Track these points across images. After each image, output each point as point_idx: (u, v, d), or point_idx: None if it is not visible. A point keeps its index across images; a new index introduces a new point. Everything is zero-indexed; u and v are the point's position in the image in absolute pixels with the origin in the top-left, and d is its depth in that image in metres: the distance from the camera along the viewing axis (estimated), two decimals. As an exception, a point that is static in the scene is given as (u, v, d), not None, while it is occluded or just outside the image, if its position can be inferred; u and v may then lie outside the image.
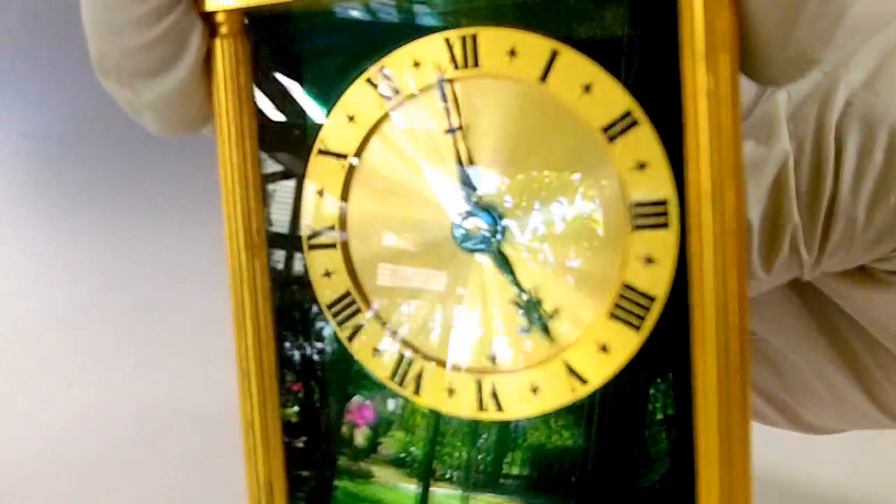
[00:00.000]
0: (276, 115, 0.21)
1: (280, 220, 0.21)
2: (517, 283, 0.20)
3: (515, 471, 0.20)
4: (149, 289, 0.76)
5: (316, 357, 0.21)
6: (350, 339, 0.21)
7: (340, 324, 0.21)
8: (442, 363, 0.20)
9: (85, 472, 0.49)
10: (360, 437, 0.21)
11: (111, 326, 0.68)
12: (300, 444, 0.22)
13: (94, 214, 0.97)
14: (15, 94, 1.41)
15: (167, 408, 0.55)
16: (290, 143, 0.21)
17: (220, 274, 0.74)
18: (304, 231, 0.21)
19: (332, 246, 0.21)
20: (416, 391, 0.21)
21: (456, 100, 0.20)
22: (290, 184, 0.21)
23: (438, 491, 0.21)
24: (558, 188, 0.19)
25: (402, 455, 0.21)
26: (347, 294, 0.21)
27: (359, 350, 0.21)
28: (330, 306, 0.21)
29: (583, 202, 0.19)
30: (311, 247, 0.21)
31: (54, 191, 1.07)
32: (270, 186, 0.21)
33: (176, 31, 0.19)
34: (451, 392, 0.20)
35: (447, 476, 0.21)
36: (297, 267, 0.21)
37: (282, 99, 0.21)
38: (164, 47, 0.20)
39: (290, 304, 0.21)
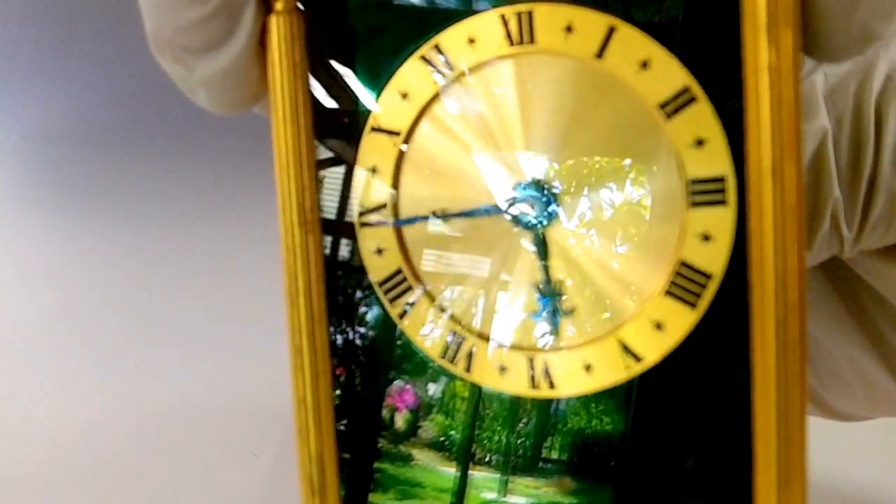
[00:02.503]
0: (329, 93, 0.21)
1: (332, 198, 0.21)
2: (546, 271, 0.20)
3: (555, 455, 0.20)
4: (149, 289, 0.76)
5: (358, 341, 0.21)
6: (401, 316, 0.21)
7: (392, 301, 0.21)
8: (493, 341, 0.20)
9: (84, 472, 0.48)
10: (401, 421, 0.21)
11: (111, 326, 0.68)
12: (341, 427, 0.22)
13: (94, 214, 0.98)
14: (15, 94, 1.44)
15: (167, 408, 0.55)
16: (342, 121, 0.21)
17: (220, 274, 0.70)
18: (356, 208, 0.21)
19: (385, 222, 0.21)
20: (468, 369, 0.21)
21: (496, 86, 0.20)
22: (342, 162, 0.21)
23: (477, 474, 0.21)
24: (614, 167, 0.19)
25: (442, 439, 0.21)
26: (399, 272, 0.21)
27: (410, 328, 0.21)
28: (381, 284, 0.21)
29: (638, 181, 0.19)
30: (363, 224, 0.21)
31: (54, 191, 1.09)
32: (322, 166, 0.21)
33: (229, 6, 0.20)
34: (502, 370, 0.20)
35: (486, 460, 0.21)
36: (348, 245, 0.21)
37: (335, 76, 0.21)
38: (217, 23, 0.20)
39: (335, 288, 0.21)
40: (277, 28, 0.20)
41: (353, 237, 0.21)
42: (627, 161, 0.19)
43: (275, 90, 0.20)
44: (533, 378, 0.20)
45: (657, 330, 0.19)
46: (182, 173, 1.10)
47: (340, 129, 0.21)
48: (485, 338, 0.20)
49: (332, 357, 0.21)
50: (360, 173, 0.21)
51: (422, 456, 0.21)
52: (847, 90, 0.22)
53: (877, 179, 0.22)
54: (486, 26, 0.19)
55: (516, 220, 0.20)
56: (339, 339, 0.22)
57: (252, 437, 0.50)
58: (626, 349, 0.19)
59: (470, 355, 0.21)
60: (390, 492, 0.21)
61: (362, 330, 0.21)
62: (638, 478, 0.20)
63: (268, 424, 0.51)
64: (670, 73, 0.18)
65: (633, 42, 0.18)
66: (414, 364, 0.21)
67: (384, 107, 0.20)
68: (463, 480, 0.21)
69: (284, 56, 0.20)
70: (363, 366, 0.22)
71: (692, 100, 0.18)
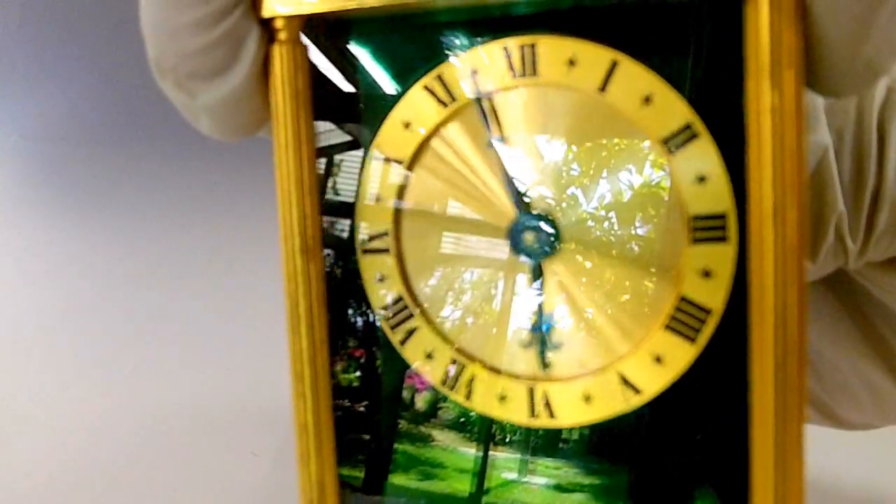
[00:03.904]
0: (331, 120, 0.21)
1: (336, 225, 0.21)
2: (540, 303, 0.20)
3: (575, 436, 0.20)
4: (149, 289, 0.76)
5: (378, 323, 0.21)
6: (402, 343, 0.21)
7: (393, 328, 0.21)
8: (493, 370, 0.21)
9: (84, 472, 0.48)
10: (421, 402, 0.21)
11: (111, 326, 0.68)
12: (361, 409, 0.22)
13: (94, 214, 0.98)
14: (15, 94, 1.43)
15: (167, 408, 0.54)
16: (345, 148, 0.21)
17: (220, 274, 0.69)
18: (359, 235, 0.21)
19: (386, 251, 0.21)
20: (468, 397, 0.21)
21: (496, 114, 0.20)
22: (346, 188, 0.21)
23: (498, 455, 0.21)
24: (611, 203, 0.19)
25: (462, 419, 0.21)
26: (400, 299, 0.21)
27: (411, 354, 0.21)
28: (385, 310, 0.21)
29: (640, 215, 0.19)
30: (365, 251, 0.21)
31: (54, 191, 1.09)
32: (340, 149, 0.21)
33: (233, 35, 0.20)
34: (502, 398, 0.20)
35: (507, 440, 0.21)
36: (352, 270, 0.21)
37: (338, 105, 0.21)
38: (220, 51, 0.20)
39: (354, 272, 0.21)
40: (280, 58, 0.20)
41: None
42: (635, 188, 0.19)
43: (277, 119, 0.20)
44: (532, 407, 0.20)
45: (657, 363, 0.19)
46: (182, 173, 1.10)
47: (345, 150, 0.21)
48: (485, 366, 0.21)
49: (352, 339, 0.21)
50: (363, 198, 0.21)
51: (442, 436, 0.21)
52: (848, 103, 0.22)
53: (880, 192, 0.22)
54: (489, 56, 0.19)
55: (517, 249, 0.20)
56: (360, 321, 0.22)
57: (252, 437, 0.50)
58: (626, 381, 0.19)
59: (471, 383, 0.21)
60: (411, 472, 0.22)
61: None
62: (655, 460, 0.20)
63: (268, 424, 0.51)
64: (673, 109, 0.18)
65: (636, 76, 0.18)
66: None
67: (387, 136, 0.20)
68: (484, 461, 0.21)
69: (287, 85, 0.20)
70: (383, 347, 0.22)
71: (694, 136, 0.18)
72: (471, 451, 0.21)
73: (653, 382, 0.19)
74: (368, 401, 0.22)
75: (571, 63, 0.19)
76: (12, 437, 0.52)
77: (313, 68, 0.20)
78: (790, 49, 0.17)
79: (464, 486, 0.21)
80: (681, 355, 0.19)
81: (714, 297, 0.18)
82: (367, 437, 0.22)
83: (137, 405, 0.54)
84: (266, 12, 0.20)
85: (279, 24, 0.20)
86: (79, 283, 0.78)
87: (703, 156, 0.18)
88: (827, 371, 0.29)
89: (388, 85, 0.20)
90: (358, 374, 0.22)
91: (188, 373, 0.58)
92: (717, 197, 0.18)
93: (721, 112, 0.18)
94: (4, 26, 1.56)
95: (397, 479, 0.22)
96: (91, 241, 0.89)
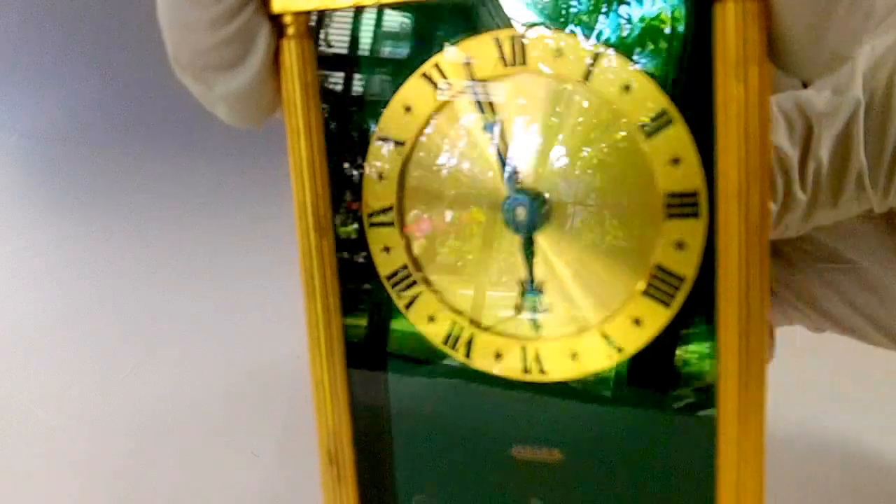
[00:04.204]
0: (338, 108, 0.23)
1: (343, 201, 0.23)
2: (528, 266, 0.22)
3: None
4: (148, 289, 0.76)
5: (374, 176, 0.23)
6: (407, 307, 0.23)
7: (398, 294, 0.23)
8: (490, 331, 0.23)
9: (84, 472, 0.48)
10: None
11: (111, 326, 0.68)
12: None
13: (94, 214, 0.99)
14: (15, 94, 1.46)
15: (167, 408, 0.54)
16: (351, 132, 0.23)
17: (220, 274, 0.70)
18: (365, 210, 0.23)
19: (391, 223, 0.23)
20: (467, 355, 0.23)
21: (490, 100, 0.21)
22: (352, 168, 0.23)
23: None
24: (595, 182, 0.21)
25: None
26: (404, 267, 0.23)
27: (415, 317, 0.23)
28: (388, 278, 0.23)
29: (620, 195, 0.21)
30: (372, 224, 0.23)
31: (54, 191, 1.10)
32: (334, 172, 0.23)
33: (245, 31, 0.21)
34: (498, 356, 0.23)
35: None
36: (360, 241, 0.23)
37: (343, 93, 0.22)
38: (234, 46, 0.21)
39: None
40: (290, 51, 0.21)
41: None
42: (616, 167, 0.21)
43: (289, 108, 0.22)
44: (525, 365, 0.23)
45: (636, 325, 0.21)
46: (182, 173, 1.10)
47: (350, 134, 0.23)
48: (482, 328, 0.23)
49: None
50: (369, 176, 0.23)
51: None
52: (885, 66, 0.25)
53: None
54: (483, 47, 0.21)
55: (509, 223, 0.22)
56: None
57: (252, 437, 0.49)
58: (608, 341, 0.22)
59: (469, 343, 0.23)
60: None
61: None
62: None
63: (268, 424, 0.50)
64: (651, 97, 0.20)
65: (618, 65, 0.20)
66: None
67: (389, 119, 0.22)
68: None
69: (297, 77, 0.21)
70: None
71: (670, 121, 0.20)
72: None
73: (632, 342, 0.21)
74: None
75: (559, 55, 0.21)
76: (12, 437, 0.52)
77: (320, 59, 0.22)
78: (755, 47, 0.18)
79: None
80: (657, 318, 0.21)
81: (687, 266, 0.21)
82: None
83: (137, 405, 0.54)
84: (276, 8, 0.21)
85: (288, 19, 0.21)
86: (79, 283, 0.77)
87: (677, 140, 0.20)
88: (890, 297, 0.32)
89: (390, 74, 0.22)
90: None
91: (188, 373, 0.58)
92: (689, 177, 0.20)
93: (694, 101, 0.20)
94: (4, 26, 1.55)
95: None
96: (91, 241, 0.89)
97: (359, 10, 0.22)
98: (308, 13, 0.21)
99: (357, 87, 0.22)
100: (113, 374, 0.58)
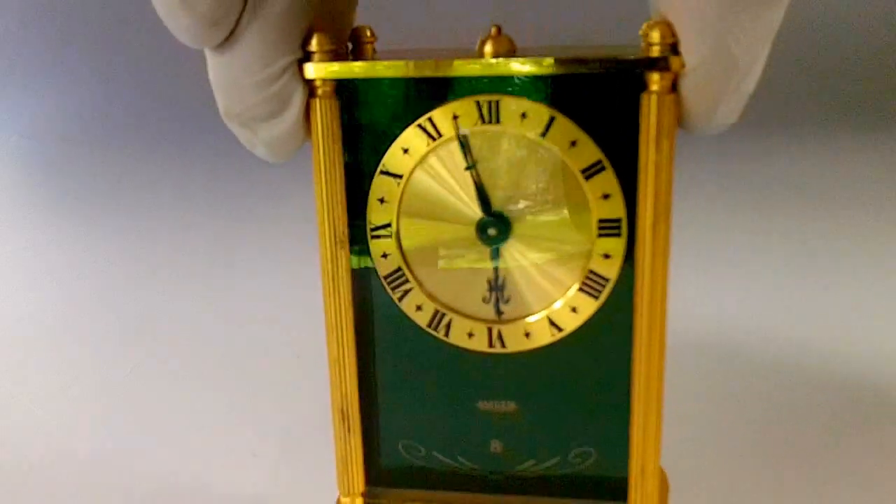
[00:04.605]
0: (353, 148, 0.29)
1: (355, 220, 0.30)
2: (495, 272, 0.30)
3: None
4: (149, 289, 0.75)
5: None
6: (400, 299, 0.30)
7: (393, 289, 0.30)
8: (463, 315, 0.30)
9: (84, 472, 0.47)
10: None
11: (111, 326, 0.67)
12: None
13: (94, 214, 0.97)
14: (15, 94, 1.43)
15: (166, 408, 0.54)
16: (361, 167, 0.29)
17: (220, 274, 0.73)
18: (369, 226, 0.30)
19: (389, 236, 0.30)
20: (446, 335, 0.31)
21: (470, 147, 0.29)
22: (360, 195, 0.30)
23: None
24: (550, 211, 0.29)
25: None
26: (399, 269, 0.30)
27: (406, 307, 0.30)
28: (385, 277, 0.30)
29: (565, 220, 0.29)
30: (373, 237, 0.30)
31: (54, 191, 1.09)
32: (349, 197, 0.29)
33: (284, 91, 0.27)
34: (470, 335, 0.30)
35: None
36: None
37: (359, 137, 0.29)
38: (275, 102, 0.27)
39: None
40: (318, 108, 0.28)
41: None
42: (564, 201, 0.29)
43: (317, 151, 0.28)
44: (490, 341, 0.30)
45: (573, 312, 0.30)
46: (182, 173, 1.09)
47: (361, 167, 0.29)
48: (459, 314, 0.30)
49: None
50: (373, 201, 0.29)
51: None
52: None
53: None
54: (466, 108, 0.28)
55: (483, 237, 0.29)
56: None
57: (252, 437, 0.49)
58: (553, 323, 0.30)
59: (448, 325, 0.30)
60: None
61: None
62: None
63: (268, 424, 0.50)
64: (590, 150, 0.28)
65: (566, 127, 0.28)
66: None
67: (391, 158, 0.29)
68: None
69: (325, 128, 0.28)
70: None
71: (603, 168, 0.28)
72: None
73: (570, 324, 0.30)
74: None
75: (524, 116, 0.28)
76: (12, 437, 0.51)
77: (343, 112, 0.28)
78: (669, 125, 0.26)
79: None
80: (588, 307, 0.29)
81: (611, 271, 0.29)
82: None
83: (137, 405, 0.54)
84: (308, 75, 0.27)
85: (318, 83, 0.28)
86: (79, 283, 0.76)
87: (608, 182, 0.28)
88: None
89: (394, 122, 0.29)
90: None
91: (188, 373, 0.58)
92: (615, 208, 0.28)
93: (621, 156, 0.28)
94: (4, 26, 1.47)
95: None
96: (91, 241, 0.88)
97: (374, 80, 0.28)
98: (332, 79, 0.28)
99: (367, 134, 0.29)
100: (113, 374, 0.58)
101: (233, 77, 0.27)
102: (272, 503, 0.43)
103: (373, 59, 0.28)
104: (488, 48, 0.28)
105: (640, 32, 0.26)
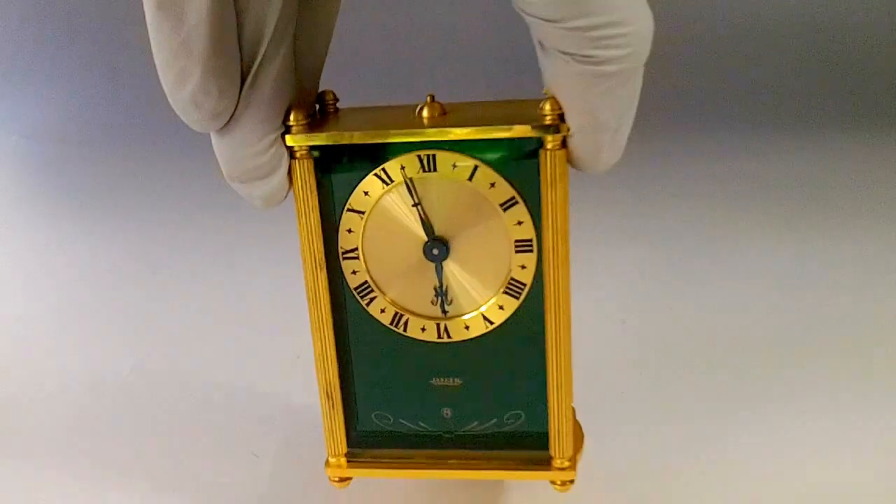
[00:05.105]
0: (326, 193, 0.38)
1: (329, 247, 0.39)
2: (440, 280, 0.39)
3: None
4: (149, 289, 0.75)
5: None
6: (367, 305, 0.40)
7: (361, 297, 0.39)
8: (417, 315, 0.40)
9: (85, 472, 0.48)
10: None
11: (111, 326, 0.68)
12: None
13: (94, 214, 0.99)
14: (15, 94, 1.44)
15: (167, 409, 0.54)
16: (333, 207, 0.38)
17: (219, 274, 0.78)
18: (340, 250, 0.39)
19: (356, 257, 0.39)
20: (404, 329, 0.40)
21: (415, 189, 0.37)
22: (333, 227, 0.38)
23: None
24: (479, 234, 0.38)
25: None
26: (365, 282, 0.39)
27: (372, 310, 0.40)
28: (355, 289, 0.39)
29: (490, 240, 0.38)
30: (344, 258, 0.39)
31: (54, 191, 1.10)
32: (324, 230, 0.38)
33: (273, 158, 0.36)
34: (423, 329, 0.40)
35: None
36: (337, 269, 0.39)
37: (330, 185, 0.38)
38: (268, 166, 0.36)
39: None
40: (299, 167, 0.37)
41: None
42: (485, 228, 0.38)
43: (297, 199, 0.37)
44: (439, 333, 0.40)
45: (500, 309, 0.39)
46: (182, 173, 1.09)
47: (331, 207, 0.38)
48: (414, 314, 0.40)
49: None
50: (342, 231, 0.38)
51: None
52: None
53: None
54: (410, 161, 0.37)
55: (427, 256, 0.38)
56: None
57: (252, 437, 0.50)
58: (485, 318, 0.39)
59: (406, 323, 0.40)
60: None
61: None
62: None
63: (268, 424, 0.52)
64: (505, 189, 0.37)
65: (487, 173, 0.37)
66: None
67: (355, 198, 0.38)
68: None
69: (304, 181, 0.37)
70: None
71: (516, 202, 0.37)
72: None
73: (498, 318, 0.39)
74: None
75: (454, 166, 0.37)
76: (12, 437, 0.52)
77: (317, 168, 0.37)
78: (562, 171, 0.35)
79: None
80: (511, 305, 0.39)
81: (527, 277, 0.38)
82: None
83: (137, 405, 0.55)
84: (289, 143, 0.36)
85: (297, 148, 0.36)
86: (79, 283, 0.77)
87: (520, 212, 0.37)
88: None
89: (356, 173, 0.37)
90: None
91: (188, 373, 0.59)
92: (526, 231, 0.37)
93: (529, 194, 0.37)
94: (4, 26, 1.48)
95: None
96: (91, 241, 0.89)
97: (339, 145, 0.37)
98: (307, 145, 0.36)
99: (336, 182, 0.38)
100: (113, 374, 0.59)
101: (233, 151, 0.36)
102: (272, 503, 0.45)
103: (335, 117, 0.37)
104: (425, 113, 0.37)
105: (539, 106, 0.35)
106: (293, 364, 0.59)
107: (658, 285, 0.71)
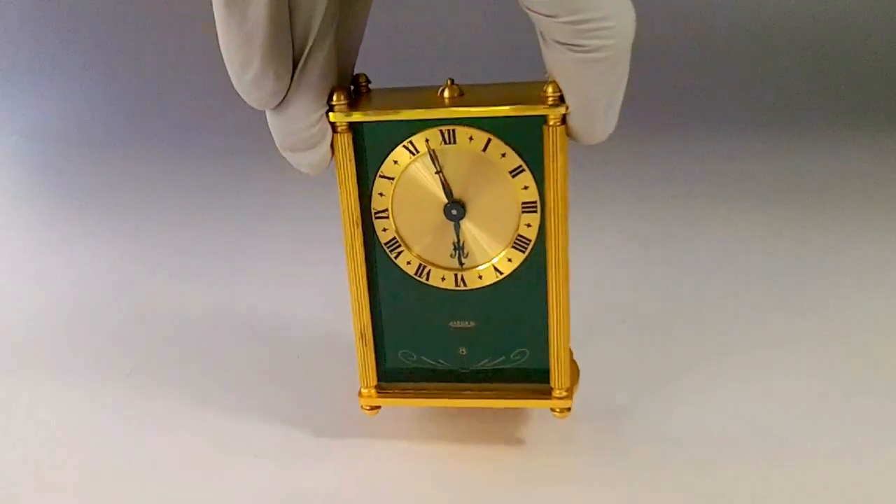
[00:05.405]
0: (362, 162, 0.45)
1: (364, 208, 0.46)
2: (457, 237, 0.46)
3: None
4: (149, 289, 0.75)
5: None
6: (395, 258, 0.47)
7: (390, 251, 0.46)
8: (438, 266, 0.47)
9: (85, 472, 0.48)
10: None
11: (111, 326, 0.68)
12: None
13: (94, 214, 0.99)
14: (15, 94, 1.44)
15: (167, 409, 0.55)
16: (368, 173, 0.45)
17: (219, 274, 0.81)
18: (372, 210, 0.46)
19: (386, 217, 0.46)
20: (427, 279, 0.47)
21: (438, 158, 0.44)
22: (367, 191, 0.45)
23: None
24: (491, 197, 0.45)
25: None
26: (394, 238, 0.46)
27: (400, 262, 0.47)
28: (385, 244, 0.46)
29: (501, 202, 0.45)
30: (376, 217, 0.46)
31: (54, 191, 1.11)
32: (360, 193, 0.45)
33: (319, 132, 0.43)
34: (443, 279, 0.47)
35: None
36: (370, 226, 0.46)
37: (365, 155, 0.45)
38: (315, 137, 0.43)
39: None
40: (339, 139, 0.43)
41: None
42: (498, 191, 0.45)
43: (338, 167, 0.44)
44: (456, 282, 0.47)
45: (509, 261, 0.46)
46: (182, 173, 1.11)
47: (366, 175, 0.45)
48: (435, 265, 0.47)
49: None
50: (375, 195, 0.45)
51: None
52: None
53: None
54: (434, 135, 0.44)
55: (447, 216, 0.45)
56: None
57: (252, 437, 0.51)
58: (496, 269, 0.46)
59: (428, 273, 0.47)
60: None
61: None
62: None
63: (268, 424, 0.52)
64: (514, 159, 0.44)
65: (499, 146, 0.44)
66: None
67: (386, 167, 0.45)
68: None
69: (344, 152, 0.44)
70: None
71: (523, 169, 0.44)
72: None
73: (507, 269, 0.46)
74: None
75: (471, 139, 0.44)
76: (13, 438, 0.52)
77: (354, 141, 0.44)
78: (562, 143, 0.42)
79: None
80: (518, 258, 0.46)
81: (532, 234, 0.45)
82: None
83: (137, 405, 0.55)
84: (332, 119, 0.43)
85: (339, 124, 0.43)
86: (79, 283, 0.77)
87: (527, 178, 0.44)
88: None
89: (387, 144, 0.44)
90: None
91: (187, 373, 0.59)
92: (531, 194, 0.44)
93: (534, 162, 0.44)
94: (4, 26, 1.48)
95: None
96: (91, 241, 0.89)
97: (373, 122, 0.44)
98: (347, 121, 0.43)
99: (370, 153, 0.45)
100: (113, 374, 0.60)
101: (286, 125, 0.43)
102: (272, 502, 0.46)
103: (368, 97, 0.44)
104: (446, 94, 0.44)
105: (542, 89, 0.42)
106: (294, 364, 0.61)
107: (658, 285, 0.72)
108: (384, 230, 0.46)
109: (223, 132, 1.21)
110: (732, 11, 1.36)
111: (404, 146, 0.44)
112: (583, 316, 0.51)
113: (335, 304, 0.59)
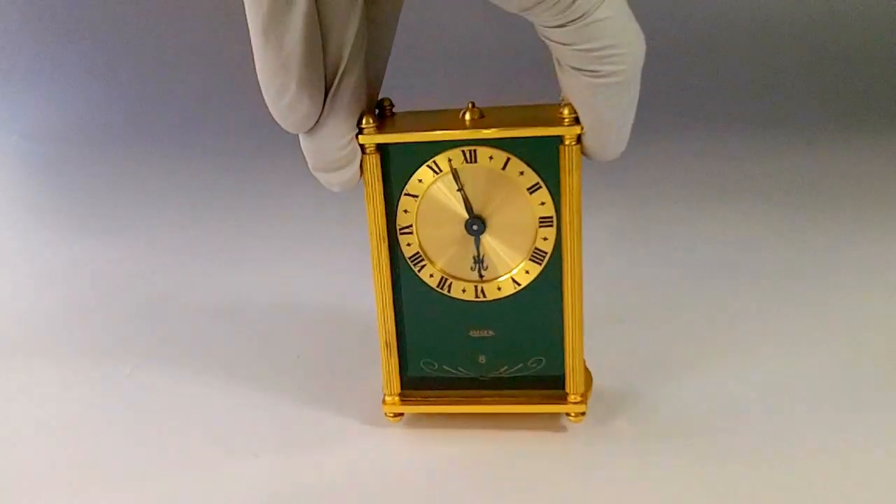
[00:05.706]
0: (388, 181, 0.47)
1: (390, 224, 0.48)
2: (477, 251, 0.48)
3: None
4: (149, 289, 0.75)
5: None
6: (419, 271, 0.49)
7: (414, 265, 0.49)
8: (459, 279, 0.49)
9: (85, 472, 0.48)
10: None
11: (111, 327, 0.68)
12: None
13: (94, 214, 0.99)
14: (15, 94, 1.45)
15: (167, 409, 0.55)
16: (394, 191, 0.47)
17: (219, 274, 0.82)
18: (398, 226, 0.48)
19: (411, 233, 0.48)
20: (448, 291, 0.49)
21: (459, 177, 0.47)
22: (393, 208, 0.48)
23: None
24: (509, 212, 0.47)
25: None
26: (417, 253, 0.49)
27: (423, 275, 0.49)
28: (409, 258, 0.49)
29: (519, 218, 0.47)
30: (401, 233, 0.48)
31: (54, 191, 1.12)
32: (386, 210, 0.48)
33: (349, 153, 0.45)
34: (463, 291, 0.49)
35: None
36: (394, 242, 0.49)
37: (391, 174, 0.47)
38: (346, 158, 0.45)
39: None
40: (369, 160, 0.46)
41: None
42: (517, 207, 0.47)
43: (367, 186, 0.46)
44: (476, 293, 0.49)
45: (526, 273, 0.48)
46: (181, 173, 1.11)
47: (392, 192, 0.47)
48: (456, 278, 0.49)
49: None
50: (400, 212, 0.48)
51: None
52: None
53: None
54: (456, 154, 0.46)
55: (468, 231, 0.48)
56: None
57: (252, 437, 0.51)
58: (514, 280, 0.49)
59: (450, 285, 0.49)
60: None
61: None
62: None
63: (268, 424, 0.52)
64: (531, 177, 0.46)
65: (517, 164, 0.46)
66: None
67: (411, 185, 0.47)
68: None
69: (372, 172, 0.46)
70: None
71: (540, 186, 0.47)
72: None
73: (525, 280, 0.49)
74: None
75: (491, 158, 0.46)
76: (13, 438, 0.52)
77: (383, 161, 0.46)
78: (577, 162, 0.45)
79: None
80: (535, 270, 0.48)
81: (548, 247, 0.48)
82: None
83: (137, 405, 0.55)
84: (361, 141, 0.45)
85: (367, 146, 0.46)
86: (79, 283, 0.78)
87: (543, 195, 0.47)
88: None
89: (412, 164, 0.47)
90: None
91: (187, 372, 0.59)
92: (547, 210, 0.47)
93: (551, 179, 0.46)
94: (4, 26, 1.50)
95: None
96: (91, 241, 0.89)
97: (400, 143, 0.46)
98: (374, 143, 0.46)
99: (396, 172, 0.47)
100: (112, 374, 0.60)
101: (318, 147, 0.45)
102: (273, 502, 0.45)
103: (393, 120, 0.47)
104: (467, 116, 0.46)
105: (558, 111, 0.44)
106: (294, 364, 0.61)
107: (657, 285, 0.72)
108: (408, 245, 0.49)
109: (223, 132, 1.21)
110: (733, 11, 1.38)
111: (428, 165, 0.47)
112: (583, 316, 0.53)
113: (335, 304, 0.61)
